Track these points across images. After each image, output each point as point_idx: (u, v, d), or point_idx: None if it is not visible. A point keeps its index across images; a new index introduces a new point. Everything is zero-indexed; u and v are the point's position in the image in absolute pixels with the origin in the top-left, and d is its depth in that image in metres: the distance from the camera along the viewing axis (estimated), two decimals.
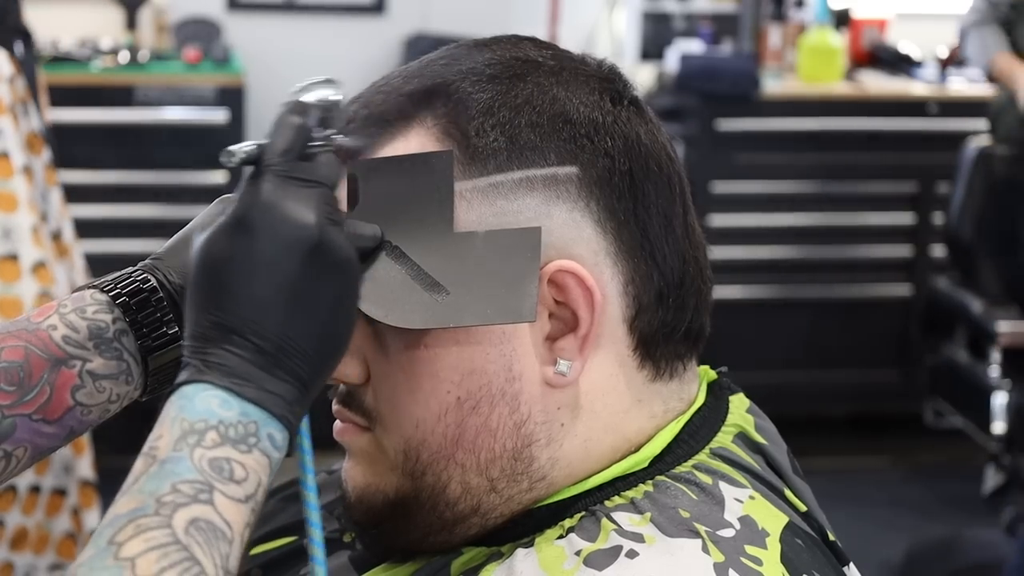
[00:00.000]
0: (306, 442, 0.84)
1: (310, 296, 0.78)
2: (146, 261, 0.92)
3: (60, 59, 4.01)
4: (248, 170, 0.81)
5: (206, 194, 3.99)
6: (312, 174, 0.81)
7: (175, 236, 0.93)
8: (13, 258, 2.44)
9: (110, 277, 0.91)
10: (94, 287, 0.90)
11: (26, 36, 2.74)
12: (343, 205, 0.86)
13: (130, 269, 0.91)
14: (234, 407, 0.76)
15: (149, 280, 0.89)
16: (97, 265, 3.08)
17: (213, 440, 0.75)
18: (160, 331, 0.89)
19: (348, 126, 0.89)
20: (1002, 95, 3.67)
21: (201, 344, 0.78)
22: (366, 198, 0.87)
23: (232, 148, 0.80)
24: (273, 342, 0.77)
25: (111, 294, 0.89)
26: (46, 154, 2.67)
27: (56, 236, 2.65)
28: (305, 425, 0.84)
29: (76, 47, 4.15)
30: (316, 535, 0.83)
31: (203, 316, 0.78)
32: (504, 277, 0.84)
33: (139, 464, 0.75)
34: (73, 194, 3.28)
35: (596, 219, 0.86)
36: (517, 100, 0.87)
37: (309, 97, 0.85)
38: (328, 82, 0.86)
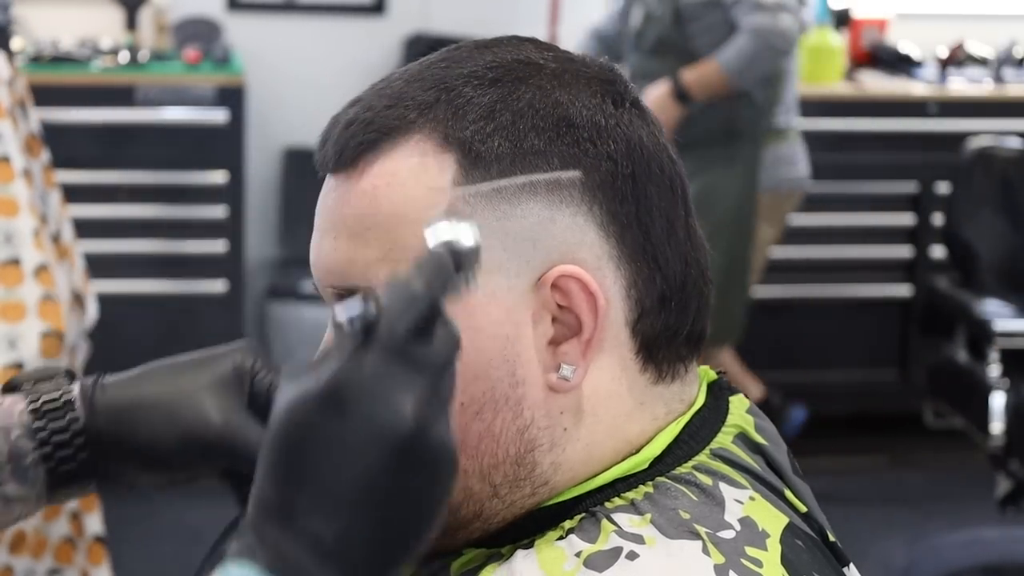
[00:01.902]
0: None
1: (391, 494, 0.73)
2: (94, 379, 0.91)
3: (60, 59, 4.01)
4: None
5: (206, 194, 4.00)
6: (425, 356, 0.73)
7: (132, 372, 0.91)
8: (15, 263, 2.44)
9: (46, 394, 0.89)
10: (26, 391, 0.90)
11: None
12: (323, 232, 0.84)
13: (68, 386, 0.90)
14: None
15: (76, 417, 0.89)
16: (97, 265, 3.09)
17: None
18: (69, 467, 0.89)
19: (342, 132, 0.88)
20: None
21: (262, 516, 0.73)
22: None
23: (350, 313, 0.72)
24: (338, 537, 0.72)
25: (34, 427, 0.88)
26: (45, 155, 2.67)
27: (56, 238, 2.65)
28: None
29: (76, 47, 4.15)
30: None
31: (271, 488, 0.73)
32: None
33: None
34: (73, 194, 3.28)
35: (599, 223, 0.86)
36: (519, 104, 0.87)
37: (440, 236, 0.75)
38: (466, 222, 0.77)
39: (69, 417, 0.89)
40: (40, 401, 0.90)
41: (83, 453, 0.89)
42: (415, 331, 0.73)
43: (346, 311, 0.73)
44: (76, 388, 0.90)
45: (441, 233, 0.75)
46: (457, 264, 0.75)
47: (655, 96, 3.37)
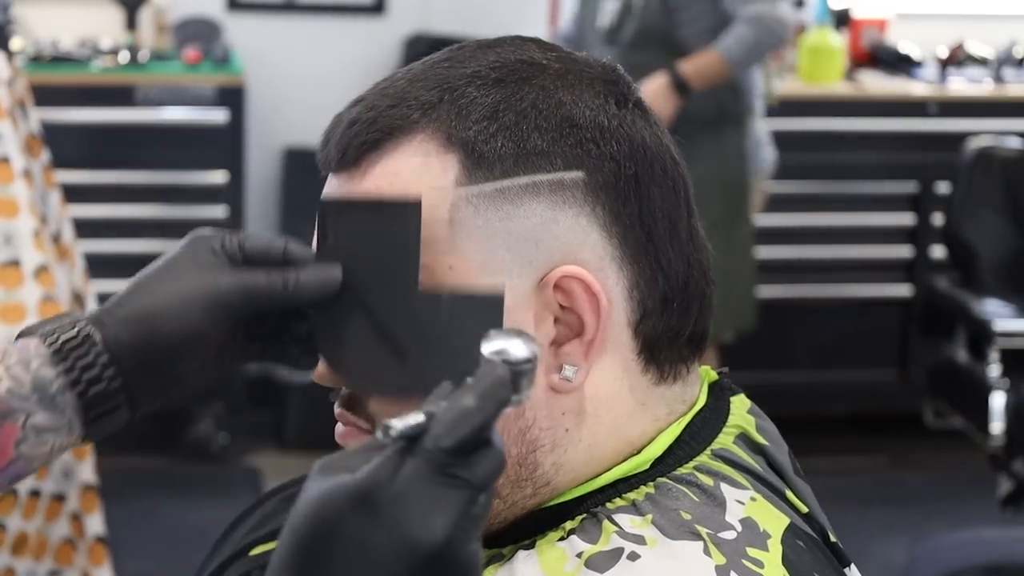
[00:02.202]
0: None
1: None
2: (97, 311, 0.90)
3: (60, 59, 4.01)
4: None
5: (206, 194, 4.00)
6: (466, 473, 0.71)
7: (132, 282, 0.90)
8: (15, 264, 2.44)
9: (57, 325, 0.89)
10: (42, 335, 0.89)
11: None
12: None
13: (75, 319, 0.89)
14: None
15: (91, 337, 0.88)
16: (97, 265, 3.09)
17: None
18: (100, 387, 0.87)
19: (344, 132, 0.88)
20: None
21: None
22: (334, 239, 0.87)
23: (395, 423, 0.71)
24: None
25: (54, 349, 0.88)
26: (44, 156, 2.67)
27: (56, 238, 2.65)
28: None
29: (76, 47, 4.15)
30: None
31: (288, 574, 0.73)
32: (463, 345, 0.80)
33: None
34: (73, 194, 3.28)
35: (602, 224, 0.86)
36: (522, 104, 0.87)
37: (496, 349, 0.73)
38: (523, 336, 0.75)
39: (85, 335, 0.88)
40: (55, 333, 0.89)
41: (108, 371, 0.87)
42: (462, 446, 0.71)
43: (402, 421, 0.71)
44: (83, 319, 0.89)
45: (496, 345, 0.74)
46: (513, 378, 0.73)
47: (652, 89, 3.35)
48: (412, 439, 0.71)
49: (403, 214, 0.84)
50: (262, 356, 0.93)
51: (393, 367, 0.84)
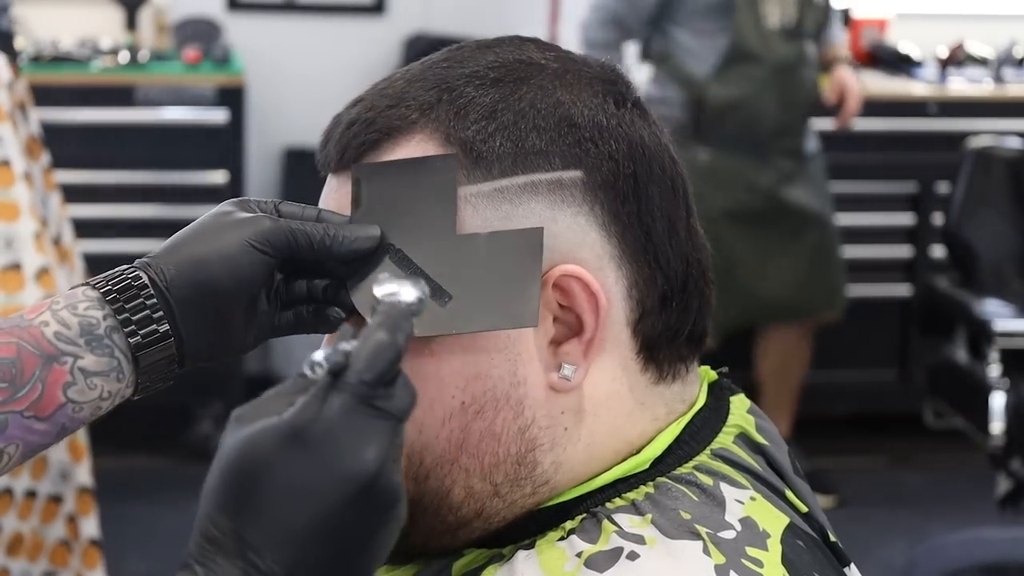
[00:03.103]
0: None
1: (342, 534, 0.73)
2: (140, 260, 0.91)
3: (60, 59, 4.01)
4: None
5: (206, 194, 3.99)
6: (387, 404, 0.74)
7: (172, 237, 0.91)
8: (16, 267, 2.44)
9: (103, 275, 0.89)
10: (86, 284, 0.90)
11: None
12: (346, 213, 0.84)
13: (123, 267, 0.89)
14: None
15: (140, 277, 0.88)
16: (96, 265, 3.08)
17: None
18: (150, 327, 0.87)
19: (344, 132, 0.88)
20: None
21: (211, 549, 0.73)
22: (369, 201, 0.87)
23: (317, 358, 0.74)
24: (287, 571, 0.72)
25: (102, 291, 0.88)
26: (45, 158, 2.67)
27: (56, 241, 2.66)
28: None
29: (76, 47, 4.15)
30: None
31: (222, 519, 0.73)
32: (507, 281, 0.84)
33: None
34: (73, 194, 3.28)
35: (600, 223, 0.86)
36: (521, 104, 0.87)
37: (387, 291, 0.78)
38: (412, 279, 0.80)
39: (133, 276, 0.87)
40: (102, 278, 0.88)
41: (157, 312, 0.87)
42: (380, 378, 0.74)
43: (325, 358, 0.74)
44: (130, 265, 0.89)
45: (388, 287, 0.78)
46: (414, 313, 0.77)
47: (854, 78, 3.67)
48: (334, 376, 0.73)
49: (441, 167, 0.85)
50: (290, 324, 0.92)
51: (434, 310, 0.84)
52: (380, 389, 0.74)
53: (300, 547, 0.72)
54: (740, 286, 3.55)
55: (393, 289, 0.78)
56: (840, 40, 3.80)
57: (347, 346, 0.75)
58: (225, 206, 0.90)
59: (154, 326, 0.87)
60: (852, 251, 4.14)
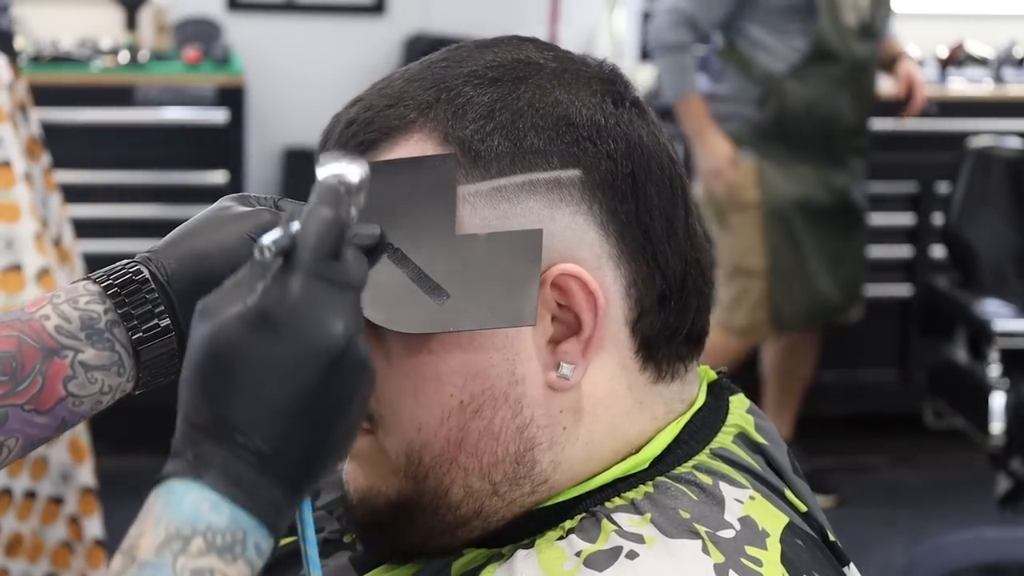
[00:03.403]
0: (309, 531, 0.83)
1: (321, 406, 0.75)
2: (140, 254, 0.91)
3: (60, 59, 4.01)
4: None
5: (206, 194, 3.99)
6: (343, 276, 0.76)
7: (172, 232, 0.92)
8: (17, 268, 2.45)
9: (104, 269, 0.89)
10: (87, 278, 0.90)
11: None
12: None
13: (124, 261, 0.89)
14: (225, 512, 0.72)
15: (141, 272, 0.88)
16: (97, 265, 3.08)
17: (199, 548, 0.72)
18: (151, 323, 0.87)
19: (344, 131, 0.88)
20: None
21: (198, 436, 0.74)
22: (368, 200, 0.87)
23: (264, 241, 0.75)
24: (274, 447, 0.74)
25: (103, 285, 0.88)
26: (45, 159, 2.67)
27: (57, 242, 2.66)
28: (308, 514, 0.83)
29: (76, 47, 4.15)
30: (308, 533, 0.83)
31: (204, 406, 0.74)
32: (505, 280, 0.84)
33: (116, 563, 0.72)
34: (73, 194, 3.28)
35: (599, 222, 0.86)
36: (519, 103, 0.87)
37: (330, 171, 0.79)
38: (350, 156, 0.81)
39: (134, 271, 0.88)
40: (103, 273, 0.89)
41: (159, 307, 0.87)
42: (331, 252, 0.76)
43: (265, 240, 0.76)
44: (131, 260, 0.89)
45: (331, 168, 0.79)
46: (355, 191, 0.79)
47: (918, 71, 3.66)
48: (287, 258, 0.75)
49: (440, 166, 0.85)
50: None
51: (430, 306, 0.84)
52: (332, 263, 0.76)
53: (284, 424, 0.74)
54: (809, 283, 3.55)
55: (337, 170, 0.79)
56: (895, 35, 3.80)
57: (293, 227, 0.76)
58: (225, 201, 0.90)
59: (155, 320, 0.87)
60: None
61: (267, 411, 0.74)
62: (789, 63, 3.45)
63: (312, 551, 0.83)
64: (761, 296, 3.55)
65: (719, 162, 3.46)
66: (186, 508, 0.72)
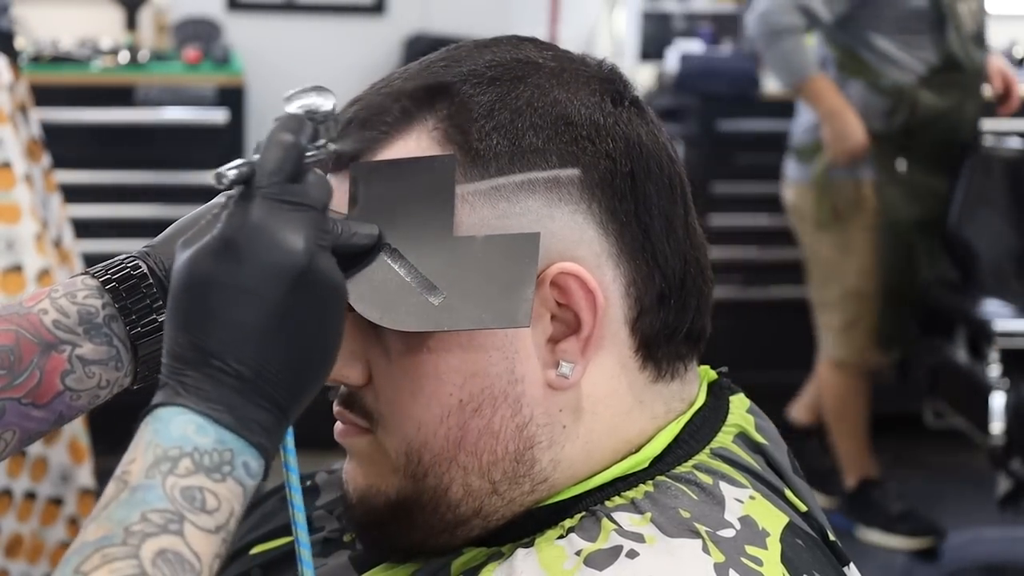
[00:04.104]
0: (290, 442, 0.84)
1: (294, 323, 0.77)
2: (139, 250, 0.91)
3: (60, 59, 4.01)
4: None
5: (206, 194, 3.98)
6: (303, 197, 0.78)
7: (169, 228, 0.93)
8: (17, 269, 2.45)
9: (101, 264, 0.90)
10: (85, 273, 0.90)
11: None
12: (343, 211, 0.85)
13: (122, 257, 0.90)
14: (210, 434, 0.75)
15: (140, 267, 0.89)
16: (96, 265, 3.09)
17: (187, 468, 0.73)
18: (149, 317, 0.88)
19: (343, 130, 0.88)
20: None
21: (179, 365, 0.76)
22: (366, 199, 0.87)
23: (222, 169, 0.78)
24: (252, 368, 0.76)
25: (101, 280, 0.88)
26: (45, 160, 2.67)
27: (57, 243, 2.66)
28: (291, 444, 0.84)
29: (76, 47, 4.15)
30: (302, 536, 0.83)
31: (182, 336, 0.76)
32: (501, 281, 0.84)
33: (110, 489, 0.74)
34: (73, 194, 3.28)
35: (598, 221, 0.86)
36: (518, 102, 0.87)
37: (299, 104, 0.83)
38: (319, 90, 0.84)
39: (132, 266, 0.89)
40: (101, 268, 0.90)
41: (157, 303, 0.88)
42: (288, 175, 0.78)
43: (223, 168, 0.78)
44: (129, 255, 0.90)
45: (300, 102, 0.82)
46: (315, 122, 0.82)
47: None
48: (247, 184, 0.78)
49: (439, 166, 0.86)
50: None
51: (426, 306, 0.84)
52: (290, 185, 0.78)
53: (258, 344, 0.76)
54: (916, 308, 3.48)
55: (306, 102, 0.82)
56: None
57: (255, 157, 0.79)
58: (222, 197, 0.91)
59: (153, 315, 0.88)
60: None
61: (239, 333, 0.76)
62: (917, 74, 3.36)
63: (294, 479, 0.84)
64: (872, 322, 3.46)
65: (857, 140, 3.33)
66: (173, 432, 0.74)
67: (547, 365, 0.87)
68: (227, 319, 0.76)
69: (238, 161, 0.78)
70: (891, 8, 3.33)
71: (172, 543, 0.71)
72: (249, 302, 0.76)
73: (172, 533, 0.71)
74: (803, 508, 0.92)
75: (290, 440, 0.84)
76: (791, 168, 3.51)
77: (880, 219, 3.39)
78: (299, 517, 0.83)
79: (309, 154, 0.80)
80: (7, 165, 2.45)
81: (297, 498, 0.83)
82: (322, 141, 0.82)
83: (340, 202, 0.89)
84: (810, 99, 3.37)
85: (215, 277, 0.76)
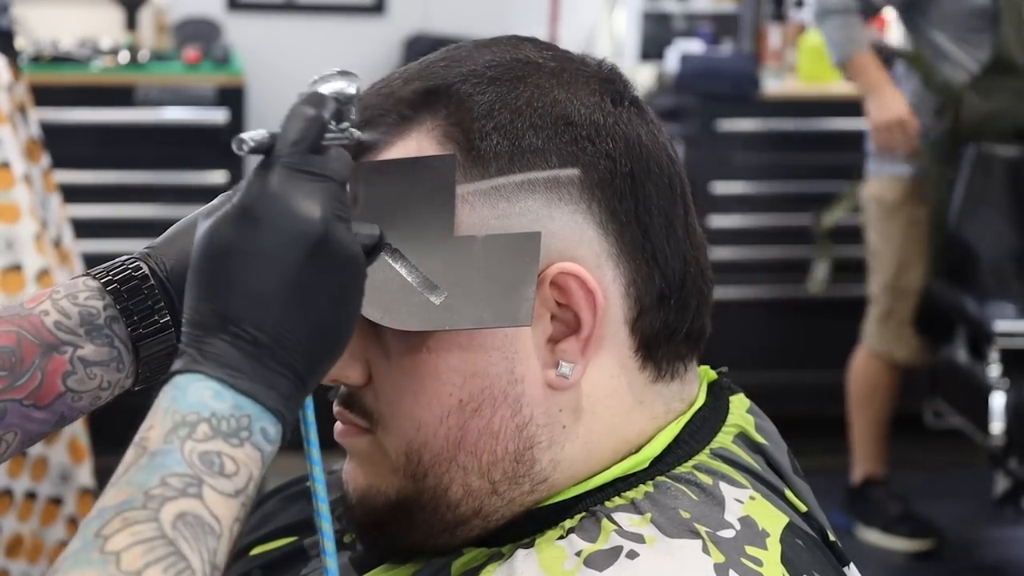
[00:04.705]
0: (312, 434, 0.84)
1: (311, 291, 0.77)
2: (140, 251, 0.91)
3: (60, 59, 4.01)
4: (258, 159, 0.80)
5: (206, 194, 3.99)
6: (322, 168, 0.79)
7: (171, 228, 0.93)
8: (17, 268, 2.45)
9: (103, 266, 0.90)
10: (87, 275, 0.90)
11: None
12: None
13: (123, 258, 0.90)
14: (227, 399, 0.75)
15: (141, 268, 0.89)
16: (96, 265, 3.08)
17: (204, 433, 0.74)
18: (151, 319, 0.88)
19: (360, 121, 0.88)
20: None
21: (198, 332, 0.76)
22: (367, 199, 0.87)
23: (244, 136, 0.78)
24: (271, 335, 0.76)
25: (102, 281, 0.88)
26: (45, 160, 2.67)
27: (57, 243, 2.66)
28: (311, 416, 0.84)
29: (76, 47, 4.15)
30: (325, 526, 0.83)
31: (202, 304, 0.77)
32: (502, 281, 0.84)
33: (129, 455, 0.74)
34: (73, 194, 3.28)
35: (598, 221, 0.86)
36: (518, 102, 0.87)
37: (325, 88, 0.83)
38: (344, 74, 0.85)
39: (134, 267, 0.89)
40: (103, 269, 0.90)
41: (159, 304, 0.88)
42: (309, 147, 0.79)
43: (245, 135, 0.79)
44: (131, 256, 0.91)
45: (333, 86, 0.84)
46: (340, 103, 0.83)
47: None
48: (267, 154, 0.78)
49: (440, 166, 0.86)
50: None
51: (427, 306, 0.84)
52: (310, 156, 0.78)
53: (277, 311, 0.76)
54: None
55: (333, 85, 0.83)
56: None
57: (278, 131, 0.80)
58: (223, 198, 0.91)
59: (155, 317, 0.88)
60: (852, 251, 4.14)
61: (258, 300, 0.76)
62: (970, 73, 3.31)
63: (315, 451, 0.84)
64: (905, 316, 3.45)
65: (898, 113, 3.31)
66: (190, 398, 0.74)
67: (547, 365, 0.87)
68: (245, 285, 0.76)
69: (260, 131, 0.79)
70: (952, 3, 3.29)
71: (192, 506, 0.71)
72: (267, 268, 0.76)
73: (191, 497, 0.72)
74: (803, 508, 0.92)
75: (310, 413, 0.84)
76: (870, 163, 3.50)
77: (924, 216, 3.39)
78: (308, 415, 0.84)
79: (331, 135, 0.81)
80: (6, 165, 2.45)
81: (321, 488, 0.83)
82: (345, 124, 0.83)
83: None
84: (853, 76, 3.38)
85: (234, 244, 0.77)
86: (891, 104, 3.31)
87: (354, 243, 0.79)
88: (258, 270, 0.76)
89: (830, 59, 3.44)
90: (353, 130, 0.84)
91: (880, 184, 3.43)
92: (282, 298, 0.76)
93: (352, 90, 0.83)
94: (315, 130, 0.79)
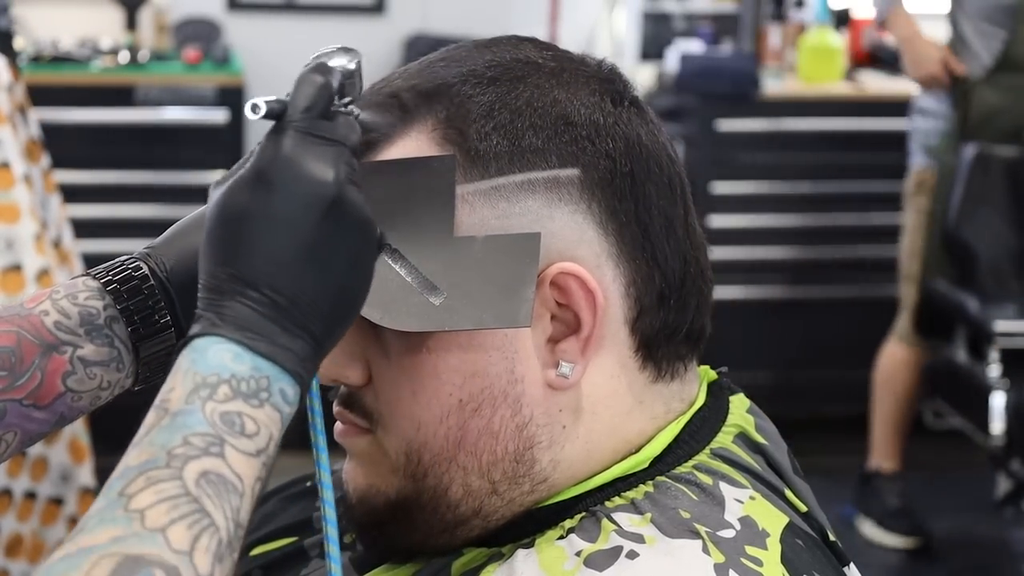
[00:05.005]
0: (316, 403, 0.84)
1: (326, 252, 0.77)
2: (140, 251, 0.91)
3: (60, 59, 4.01)
4: (270, 125, 0.80)
5: (206, 194, 3.98)
6: (332, 133, 0.79)
7: (171, 228, 0.93)
8: (17, 268, 2.45)
9: (103, 266, 0.90)
10: (86, 275, 0.90)
11: None
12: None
13: (123, 258, 0.90)
14: (246, 361, 0.75)
15: (141, 268, 0.89)
16: (96, 265, 3.08)
17: (225, 394, 0.74)
18: (151, 319, 0.88)
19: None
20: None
21: (215, 296, 0.77)
22: (366, 199, 0.87)
23: (257, 100, 0.79)
24: (287, 296, 0.76)
25: (102, 281, 0.89)
26: (44, 160, 2.67)
27: (56, 243, 2.66)
28: (319, 423, 0.84)
29: (76, 47, 4.15)
30: (330, 513, 0.83)
31: (218, 268, 0.77)
32: (502, 282, 0.84)
33: (151, 416, 0.74)
34: (73, 194, 3.28)
35: (598, 221, 0.86)
36: (518, 102, 0.87)
37: (330, 62, 0.84)
38: (346, 50, 0.85)
39: (133, 267, 0.89)
40: (102, 270, 0.90)
41: (159, 304, 0.88)
42: (319, 113, 0.80)
43: (257, 100, 0.79)
44: (130, 256, 0.91)
45: (337, 60, 0.83)
46: (344, 75, 0.83)
47: None
48: (279, 119, 0.80)
49: (440, 167, 0.86)
50: None
51: (427, 306, 0.84)
52: (321, 121, 0.79)
53: (292, 273, 0.77)
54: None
55: (335, 62, 0.83)
56: None
57: (287, 97, 0.81)
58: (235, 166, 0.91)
59: (155, 317, 0.88)
60: (851, 251, 4.15)
61: (273, 262, 0.76)
62: (982, 67, 3.34)
63: (320, 435, 0.84)
64: (912, 304, 3.48)
65: (931, 67, 3.36)
66: (210, 360, 0.75)
67: (547, 365, 0.87)
68: (260, 248, 0.76)
69: (272, 97, 0.80)
70: None
71: (214, 465, 0.72)
72: (282, 231, 0.76)
73: (214, 455, 0.72)
74: (803, 508, 0.92)
75: (316, 401, 0.84)
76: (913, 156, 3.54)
77: (930, 209, 3.42)
78: (314, 396, 0.84)
79: (337, 105, 0.81)
80: (6, 165, 2.45)
81: (323, 457, 0.84)
82: (348, 99, 0.83)
83: None
84: (890, 29, 3.50)
85: (248, 208, 0.77)
86: (923, 59, 3.39)
87: (365, 208, 0.79)
88: (274, 233, 0.76)
89: (877, 12, 3.59)
90: (354, 107, 0.84)
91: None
92: (298, 260, 0.77)
93: (353, 66, 0.84)
94: (325, 97, 0.80)
